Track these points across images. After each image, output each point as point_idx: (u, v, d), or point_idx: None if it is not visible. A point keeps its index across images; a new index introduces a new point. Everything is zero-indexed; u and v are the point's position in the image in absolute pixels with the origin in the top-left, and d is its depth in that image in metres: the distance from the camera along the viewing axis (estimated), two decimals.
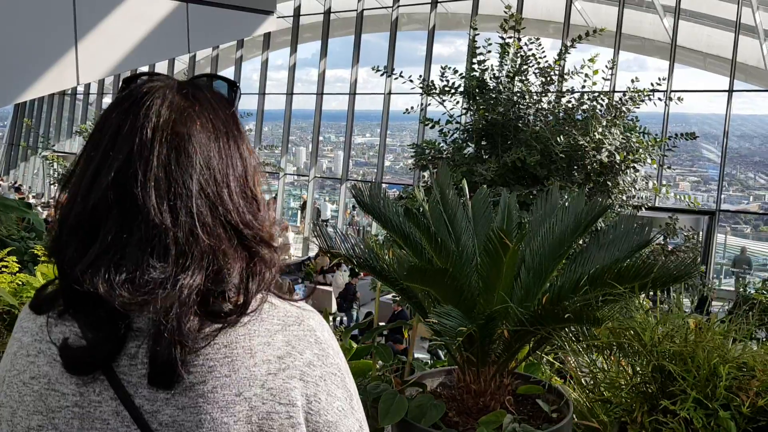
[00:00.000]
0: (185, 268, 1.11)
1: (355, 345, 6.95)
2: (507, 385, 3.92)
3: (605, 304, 3.61)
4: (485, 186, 4.65)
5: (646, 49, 23.92)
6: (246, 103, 24.33)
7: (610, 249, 4.08)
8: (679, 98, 9.18)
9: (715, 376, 3.11)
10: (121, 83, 1.27)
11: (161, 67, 25.05)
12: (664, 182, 15.66)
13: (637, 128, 8.54)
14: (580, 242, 5.15)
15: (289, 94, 23.08)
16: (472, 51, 9.05)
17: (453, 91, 9.13)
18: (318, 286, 18.71)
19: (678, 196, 9.20)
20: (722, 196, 20.45)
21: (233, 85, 1.33)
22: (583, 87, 8.86)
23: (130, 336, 1.13)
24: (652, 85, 9.11)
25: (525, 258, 4.08)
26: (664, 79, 9.27)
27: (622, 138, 8.16)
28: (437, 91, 9.37)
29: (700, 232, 20.03)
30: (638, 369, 3.27)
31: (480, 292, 3.75)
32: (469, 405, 3.88)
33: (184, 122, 1.17)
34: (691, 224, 18.39)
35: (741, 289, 16.14)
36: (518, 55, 8.97)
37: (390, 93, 21.44)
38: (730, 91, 19.42)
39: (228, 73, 24.82)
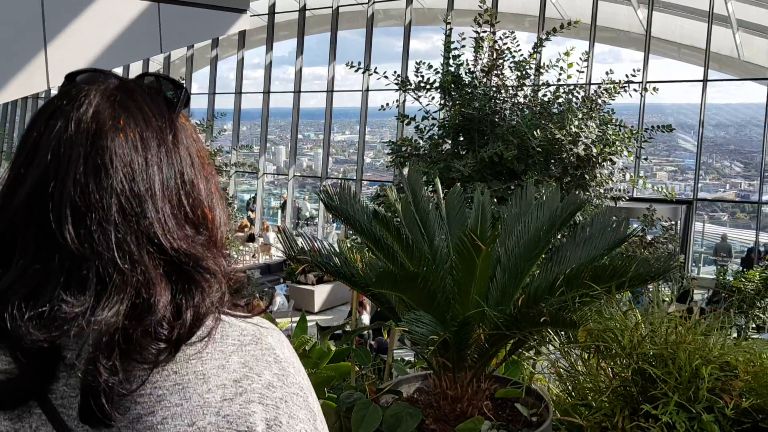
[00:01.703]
0: (103, 302, 0.98)
1: (333, 348, 6.80)
2: (485, 390, 3.78)
3: (583, 304, 3.49)
4: (458, 184, 4.49)
5: (621, 40, 23.93)
6: (223, 103, 24.07)
7: (587, 246, 3.96)
8: (654, 89, 9.10)
9: (698, 377, 2.99)
10: (64, 79, 1.14)
11: (136, 69, 24.69)
12: (641, 173, 15.65)
13: (614, 121, 8.44)
14: (559, 237, 5.02)
15: (266, 92, 22.83)
16: (447, 46, 8.91)
17: (428, 86, 8.98)
18: (299, 286, 18.51)
19: (655, 187, 9.12)
20: (699, 185, 20.52)
21: (178, 87, 1.17)
22: (559, 80, 8.75)
23: (62, 365, 1.01)
24: (627, 76, 9.02)
25: (500, 258, 3.94)
26: (639, 71, 9.17)
27: (599, 131, 8.05)
28: (412, 87, 9.21)
29: (678, 222, 20.10)
30: (618, 371, 3.14)
31: (454, 296, 3.60)
32: (446, 412, 3.73)
33: (106, 134, 1.03)
34: (669, 214, 18.45)
35: (720, 277, 16.18)
36: (493, 49, 8.84)
37: (368, 90, 21.27)
38: (705, 80, 19.46)
39: (204, 72, 24.55)
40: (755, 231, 22.41)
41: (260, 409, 1.04)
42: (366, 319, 13.90)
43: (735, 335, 3.41)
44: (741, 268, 18.85)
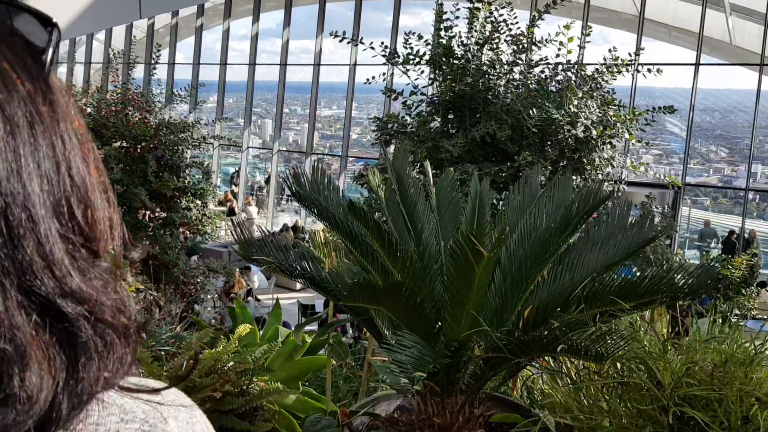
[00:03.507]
0: None
1: (308, 339, 6.11)
2: (478, 417, 3.10)
3: (603, 323, 2.81)
4: (451, 168, 3.76)
5: (613, 21, 23.20)
6: (208, 74, 23.08)
7: (605, 247, 3.27)
8: (658, 70, 8.38)
9: (750, 423, 2.33)
10: None
11: (118, 35, 23.59)
12: (630, 157, 14.99)
13: (615, 101, 7.73)
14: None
15: (252, 64, 21.86)
16: (439, 15, 8.11)
17: (417, 59, 8.20)
18: None
19: (656, 174, 8.44)
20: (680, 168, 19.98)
21: (47, 24, 0.70)
22: (558, 56, 8.00)
23: None
24: (630, 55, 8.29)
25: (501, 259, 3.24)
26: (642, 50, 8.43)
27: (599, 112, 7.34)
28: (401, 60, 8.43)
29: (666, 206, 19.56)
30: (646, 411, 2.47)
31: (445, 306, 2.91)
32: None
33: None
34: (657, 199, 17.83)
35: (706, 263, 15.65)
36: (488, 20, 8.06)
37: (356, 64, 20.40)
38: (697, 64, 18.80)
39: (188, 42, 23.48)
40: (741, 217, 21.98)
41: None
42: None
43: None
44: (720, 253, 18.40)
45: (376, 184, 3.69)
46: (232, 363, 3.43)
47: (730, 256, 17.70)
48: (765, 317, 14.03)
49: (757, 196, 21.43)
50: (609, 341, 2.28)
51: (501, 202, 7.89)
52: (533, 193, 3.63)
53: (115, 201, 0.79)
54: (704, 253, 19.07)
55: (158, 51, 12.17)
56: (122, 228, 0.80)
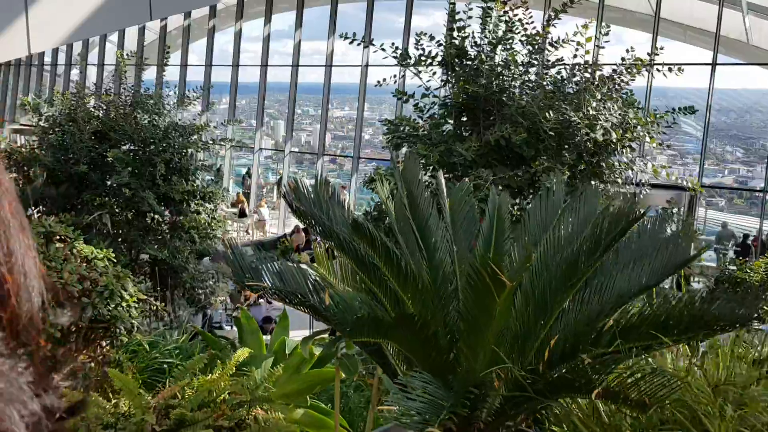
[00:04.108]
0: None
1: (317, 352, 5.80)
2: None
3: (637, 355, 2.48)
4: (467, 179, 3.44)
5: (628, 21, 22.75)
6: (220, 76, 22.84)
7: (637, 268, 2.94)
8: (679, 69, 7.99)
9: None
10: None
11: (132, 37, 23.42)
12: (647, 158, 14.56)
13: (636, 103, 7.36)
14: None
15: (264, 65, 21.59)
16: (452, 14, 7.77)
17: (429, 60, 7.86)
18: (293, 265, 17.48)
19: (678, 178, 8.03)
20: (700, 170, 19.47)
21: None
22: (575, 56, 7.63)
23: None
24: (648, 56, 7.91)
25: (522, 282, 2.92)
26: (661, 49, 8.04)
27: (620, 114, 6.97)
28: (412, 62, 8.10)
29: (682, 208, 19.07)
30: None
31: (461, 336, 2.59)
32: None
33: None
34: (675, 201, 17.42)
35: (722, 265, 15.18)
36: (502, 20, 7.71)
37: (368, 65, 20.08)
38: (714, 64, 18.32)
39: (201, 44, 23.26)
40: (759, 219, 21.45)
41: None
42: None
43: None
44: (736, 256, 17.89)
45: (385, 195, 3.38)
46: (227, 393, 3.14)
47: (746, 259, 17.20)
48: None
49: (766, 195, 20.88)
50: (652, 385, 1.95)
51: (517, 208, 7.55)
52: (556, 205, 3.30)
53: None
54: (721, 255, 18.57)
55: (168, 53, 11.90)
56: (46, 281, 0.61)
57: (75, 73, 24.16)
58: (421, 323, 2.22)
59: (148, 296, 9.47)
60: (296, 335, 6.89)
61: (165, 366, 6.08)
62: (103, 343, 5.96)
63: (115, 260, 6.27)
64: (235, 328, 13.00)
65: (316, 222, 2.60)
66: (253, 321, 6.29)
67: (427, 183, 3.07)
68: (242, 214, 20.52)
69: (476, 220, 3.33)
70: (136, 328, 6.00)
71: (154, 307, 6.85)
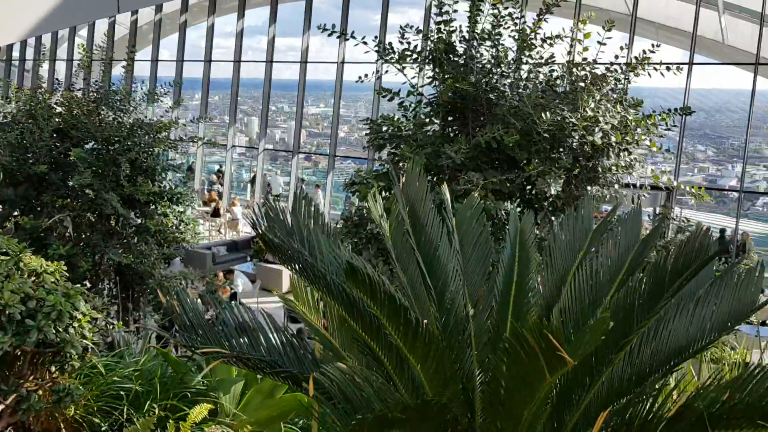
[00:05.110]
0: None
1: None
2: None
3: None
4: (476, 194, 2.80)
5: (603, 20, 22.26)
6: (193, 72, 21.92)
7: (699, 309, 2.32)
8: (678, 68, 7.45)
9: None
10: None
11: (102, 32, 22.34)
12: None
13: (641, 104, 6.79)
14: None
15: (237, 61, 20.73)
16: (438, 8, 7.11)
17: (415, 55, 7.20)
18: (267, 266, 16.74)
19: (682, 186, 7.49)
20: (671, 169, 19.20)
21: None
22: (569, 53, 7.04)
23: None
24: (636, 57, 7.36)
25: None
26: (658, 46, 7.48)
27: (621, 116, 6.39)
28: (395, 57, 7.42)
29: (657, 208, 18.73)
30: None
31: (486, 413, 1.94)
32: None
33: None
34: (649, 201, 17.04)
35: None
36: (491, 13, 7.08)
37: (344, 62, 19.36)
38: (691, 63, 17.99)
39: (173, 39, 22.28)
40: (727, 216, 21.25)
41: None
42: None
43: None
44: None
45: (379, 213, 2.71)
46: None
47: (724, 257, 16.92)
48: (758, 321, 13.24)
49: (742, 195, 20.66)
50: None
51: (510, 215, 6.97)
52: (586, 227, 2.68)
53: None
54: None
55: (133, 49, 11.05)
56: None
57: (45, 68, 23.02)
58: (439, 406, 1.57)
59: (109, 306, 8.69)
60: None
61: (122, 393, 5.38)
62: (53, 369, 5.24)
63: (67, 274, 5.52)
64: None
65: (293, 258, 1.94)
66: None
67: (435, 220, 2.42)
68: (215, 214, 19.68)
69: (490, 246, 2.68)
70: (90, 350, 5.27)
71: (111, 326, 6.10)
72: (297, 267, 2.00)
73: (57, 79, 15.30)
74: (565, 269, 2.55)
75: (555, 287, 2.53)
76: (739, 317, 2.19)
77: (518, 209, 7.33)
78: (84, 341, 5.30)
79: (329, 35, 7.83)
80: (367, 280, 1.70)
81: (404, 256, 2.38)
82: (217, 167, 24.81)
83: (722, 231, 18.77)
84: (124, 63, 10.83)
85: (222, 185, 21.89)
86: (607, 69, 7.17)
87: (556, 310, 2.31)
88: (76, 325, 5.16)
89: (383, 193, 6.50)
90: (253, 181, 22.36)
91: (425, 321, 1.83)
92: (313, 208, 2.29)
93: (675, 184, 7.85)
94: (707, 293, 2.22)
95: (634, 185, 6.86)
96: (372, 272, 1.75)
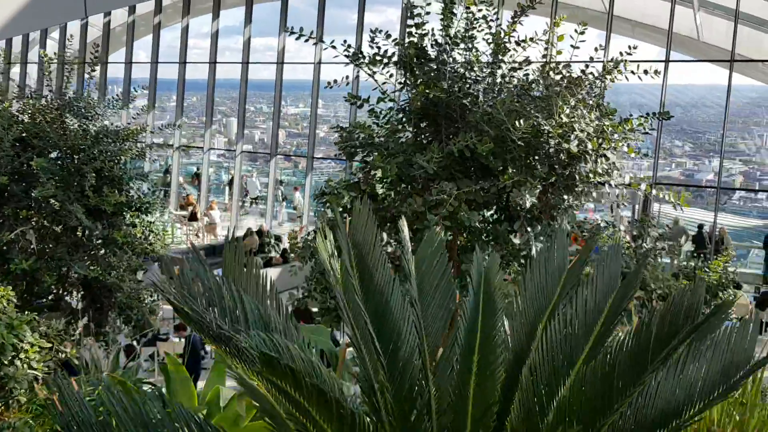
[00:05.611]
0: None
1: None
2: None
3: None
4: (438, 228, 2.50)
5: (579, 18, 22.13)
6: (168, 73, 21.39)
7: (687, 369, 2.03)
8: (656, 72, 7.18)
9: None
10: None
11: (75, 34, 21.72)
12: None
13: (615, 113, 6.52)
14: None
15: (212, 63, 20.25)
16: (410, 12, 6.78)
17: (386, 60, 6.87)
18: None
19: (665, 195, 7.22)
20: (649, 164, 19.10)
21: None
22: (544, 56, 6.75)
23: None
24: (614, 59, 7.09)
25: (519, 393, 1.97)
26: (632, 50, 7.20)
27: (597, 123, 6.12)
28: (366, 62, 7.09)
29: (636, 206, 18.57)
30: None
31: None
32: None
33: None
34: (629, 197, 16.84)
35: (680, 264, 14.59)
36: (464, 16, 6.77)
37: (320, 63, 18.99)
38: (667, 61, 17.87)
39: (147, 40, 21.73)
40: (705, 210, 21.22)
41: None
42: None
43: None
44: (695, 248, 17.49)
45: (329, 252, 2.38)
46: None
47: (702, 253, 16.80)
48: (737, 318, 13.08)
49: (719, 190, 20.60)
50: None
51: (485, 225, 6.65)
52: (560, 265, 2.37)
53: None
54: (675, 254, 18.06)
55: (95, 52, 10.58)
56: None
57: (15, 71, 22.35)
58: None
59: (74, 323, 8.28)
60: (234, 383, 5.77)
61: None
62: None
63: (16, 300, 5.11)
64: (182, 340, 11.84)
65: (213, 335, 1.60)
66: (181, 369, 5.21)
67: (386, 273, 2.09)
68: (192, 218, 19.22)
69: (451, 287, 2.36)
70: (40, 382, 4.89)
71: (63, 355, 5.71)
72: (214, 335, 1.67)
73: (28, 85, 14.72)
74: (537, 314, 2.25)
75: (525, 336, 2.22)
76: (733, 381, 1.89)
77: (494, 217, 7.03)
78: (33, 372, 4.94)
79: (298, 38, 7.47)
80: (288, 371, 1.37)
81: (354, 310, 2.06)
82: (195, 169, 24.32)
83: (700, 227, 18.68)
84: (91, 67, 10.35)
85: (199, 188, 21.41)
86: (582, 72, 6.89)
87: (525, 370, 1.99)
88: (22, 356, 4.80)
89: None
90: (231, 183, 21.91)
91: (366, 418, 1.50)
92: (246, 260, 1.95)
93: (653, 193, 7.55)
94: (718, 348, 1.91)
95: (616, 186, 6.59)
96: (298, 361, 1.41)
